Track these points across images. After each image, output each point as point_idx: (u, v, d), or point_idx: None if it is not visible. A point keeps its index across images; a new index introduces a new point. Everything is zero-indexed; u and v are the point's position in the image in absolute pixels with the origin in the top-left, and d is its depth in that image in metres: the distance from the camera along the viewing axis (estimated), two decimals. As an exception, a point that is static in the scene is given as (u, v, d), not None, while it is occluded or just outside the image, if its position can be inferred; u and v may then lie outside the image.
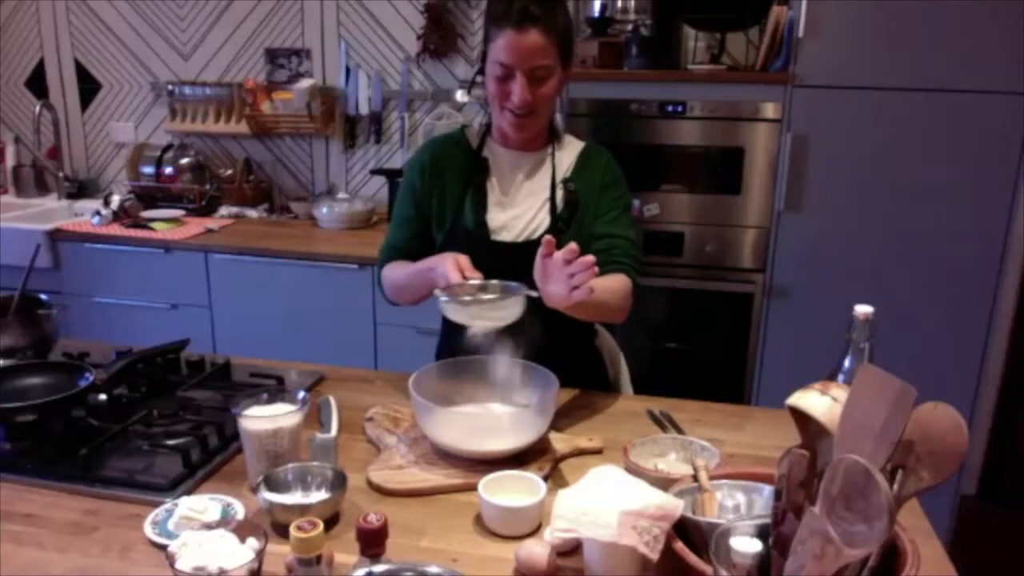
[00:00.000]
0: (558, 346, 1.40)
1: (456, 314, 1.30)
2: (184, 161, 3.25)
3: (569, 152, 1.57)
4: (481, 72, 1.49)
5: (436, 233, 1.57)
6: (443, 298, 1.29)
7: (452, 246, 1.44)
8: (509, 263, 1.32)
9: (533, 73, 1.42)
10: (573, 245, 1.14)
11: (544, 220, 1.52)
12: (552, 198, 1.53)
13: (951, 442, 0.77)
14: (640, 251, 1.54)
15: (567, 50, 1.48)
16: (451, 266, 1.33)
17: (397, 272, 1.55)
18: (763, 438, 1.38)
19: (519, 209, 1.54)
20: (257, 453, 1.16)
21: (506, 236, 1.52)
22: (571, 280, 1.15)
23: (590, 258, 1.14)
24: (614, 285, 1.43)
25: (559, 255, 1.15)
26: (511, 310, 1.28)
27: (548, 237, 1.18)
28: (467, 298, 1.29)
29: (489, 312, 1.28)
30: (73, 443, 1.26)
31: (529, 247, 1.27)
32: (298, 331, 2.76)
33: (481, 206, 1.53)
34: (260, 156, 3.35)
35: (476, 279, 1.33)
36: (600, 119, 2.43)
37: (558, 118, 1.62)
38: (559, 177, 1.54)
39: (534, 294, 1.25)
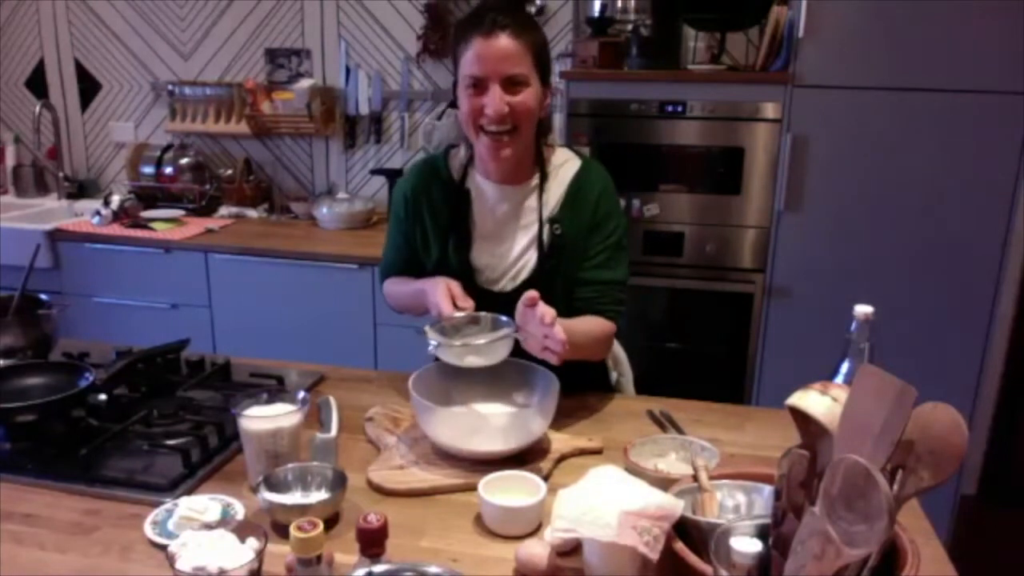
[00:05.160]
0: None
1: (446, 355, 1.32)
2: (184, 161, 3.25)
3: (559, 183, 1.48)
4: (454, 104, 1.45)
5: (425, 262, 1.55)
6: (432, 342, 1.30)
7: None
8: (493, 308, 1.34)
9: (507, 81, 1.35)
10: (549, 317, 1.20)
11: (531, 259, 1.48)
12: (540, 236, 1.47)
13: (951, 442, 0.77)
14: (627, 280, 1.52)
15: (543, 65, 1.41)
16: (442, 295, 1.35)
17: (397, 288, 1.58)
18: (763, 438, 1.38)
19: (505, 247, 1.49)
20: (257, 453, 1.16)
21: (491, 275, 1.50)
22: (544, 340, 1.22)
23: (562, 336, 1.20)
24: (596, 331, 1.45)
25: (540, 312, 1.21)
26: (499, 352, 1.30)
27: (532, 292, 1.24)
28: (457, 343, 1.31)
29: (477, 354, 1.30)
30: (73, 443, 1.26)
31: (515, 294, 1.30)
32: (298, 331, 2.76)
33: (464, 247, 1.49)
34: (260, 156, 3.35)
35: (468, 307, 1.35)
36: (600, 119, 2.43)
37: (555, 128, 1.60)
38: (546, 214, 1.47)
39: (519, 336, 1.29)
